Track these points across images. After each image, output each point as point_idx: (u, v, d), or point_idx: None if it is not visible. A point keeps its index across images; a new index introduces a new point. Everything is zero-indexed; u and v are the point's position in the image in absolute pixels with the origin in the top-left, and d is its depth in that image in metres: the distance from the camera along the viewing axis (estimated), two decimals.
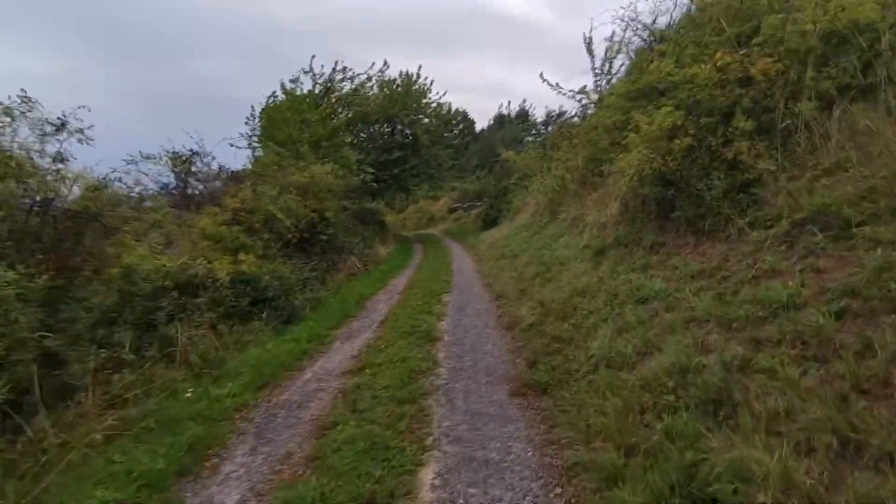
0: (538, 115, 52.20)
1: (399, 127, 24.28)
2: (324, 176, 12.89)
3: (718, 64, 4.98)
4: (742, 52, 4.96)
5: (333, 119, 16.70)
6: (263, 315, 7.46)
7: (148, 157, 7.86)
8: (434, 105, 24.93)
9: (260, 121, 21.42)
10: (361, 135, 24.98)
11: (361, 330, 7.56)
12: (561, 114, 41.16)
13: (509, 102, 66.02)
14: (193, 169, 9.96)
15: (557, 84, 16.81)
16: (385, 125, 24.83)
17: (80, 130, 5.18)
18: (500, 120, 59.66)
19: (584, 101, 16.93)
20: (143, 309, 5.71)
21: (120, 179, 6.85)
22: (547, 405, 4.07)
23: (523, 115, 57.35)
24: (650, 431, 2.87)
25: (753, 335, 3.09)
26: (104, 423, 3.97)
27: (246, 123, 21.19)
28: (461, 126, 54.26)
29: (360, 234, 16.58)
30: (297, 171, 13.00)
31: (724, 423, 2.64)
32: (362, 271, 13.55)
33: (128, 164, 6.89)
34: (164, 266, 6.10)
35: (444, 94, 24.92)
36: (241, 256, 7.14)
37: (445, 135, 29.29)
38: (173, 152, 9.84)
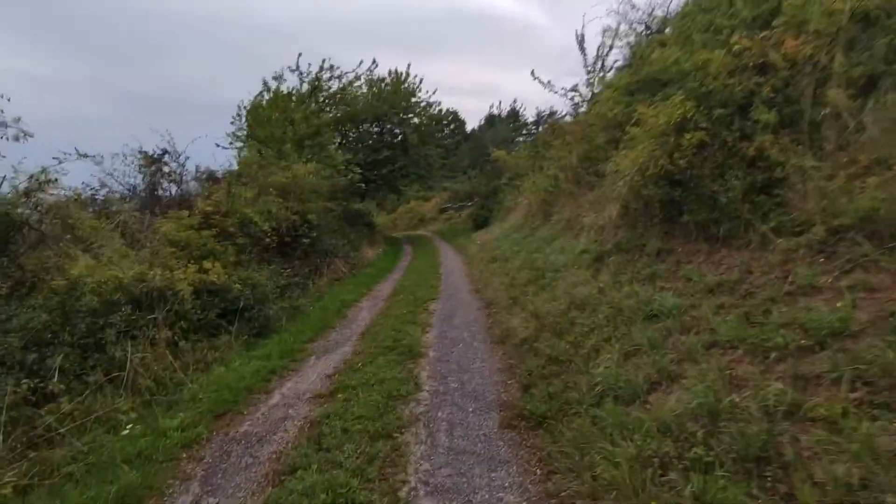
0: (529, 115, 51.80)
1: (388, 126, 23.65)
2: (306, 176, 12.24)
3: (735, 49, 4.43)
4: (761, 35, 4.41)
5: (319, 117, 15.94)
6: (233, 328, 6.83)
7: (86, 156, 7.12)
8: (423, 104, 24.33)
9: (245, 120, 20.76)
10: (350, 135, 24.34)
11: (340, 343, 6.94)
12: (552, 114, 40.81)
13: (500, 102, 65.43)
14: (165, 170, 9.27)
15: (549, 82, 16.35)
16: (373, 125, 24.19)
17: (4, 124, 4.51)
18: (491, 120, 59.26)
19: (575, 100, 16.51)
20: (89, 327, 5.06)
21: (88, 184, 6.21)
22: (544, 443, 3.47)
23: (514, 115, 56.98)
24: (676, 496, 2.29)
25: (798, 369, 2.53)
26: (16, 470, 3.32)
27: (232, 123, 20.51)
28: (452, 126, 53.75)
29: (347, 236, 15.93)
30: (279, 171, 12.35)
31: (774, 490, 2.06)
32: (348, 275, 12.93)
33: (60, 162, 6.17)
34: (117, 277, 5.45)
35: (434, 93, 24.31)
36: (207, 265, 6.48)
37: (436, 134, 28.75)
38: (142, 152, 9.15)
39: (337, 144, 24.36)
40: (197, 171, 10.82)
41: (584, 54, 15.83)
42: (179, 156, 9.36)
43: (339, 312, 8.87)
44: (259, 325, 7.37)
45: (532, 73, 15.32)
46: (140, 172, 8.67)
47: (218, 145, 19.41)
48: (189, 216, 7.80)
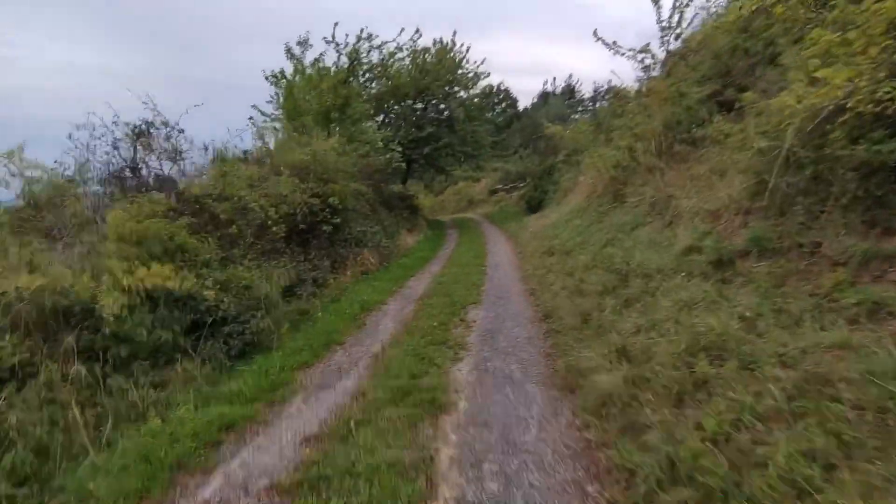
0: (585, 91, 48.47)
1: (432, 101, 21.52)
2: (328, 153, 10.44)
3: None
4: None
5: (348, 86, 14.09)
6: (202, 351, 5.13)
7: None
8: (471, 75, 21.98)
9: (281, 98, 19.32)
10: (392, 112, 22.48)
11: (343, 371, 5.09)
12: (610, 88, 37.35)
13: (554, 79, 61.84)
14: (153, 145, 7.69)
15: (615, 43, 13.71)
16: (417, 100, 22.12)
17: None
18: (545, 96, 56.12)
19: (646, 62, 13.83)
20: None
21: None
22: None
23: (569, 91, 53.56)
24: None
25: None
26: None
27: (268, 102, 19.09)
28: (503, 104, 51.05)
29: (381, 222, 14.14)
30: (296, 147, 10.64)
31: None
32: (378, 268, 11.13)
33: None
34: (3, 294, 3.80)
35: (483, 63, 21.86)
36: (156, 269, 4.75)
37: (485, 111, 26.41)
38: (127, 124, 7.58)
39: (377, 122, 22.67)
40: (206, 149, 9.17)
41: (659, 7, 13.13)
42: (171, 129, 7.72)
43: (354, 319, 7.05)
44: (244, 341, 5.65)
45: (595, 32, 12.66)
46: (115, 147, 7.10)
47: (255, 125, 18.02)
48: (165, 200, 6.14)
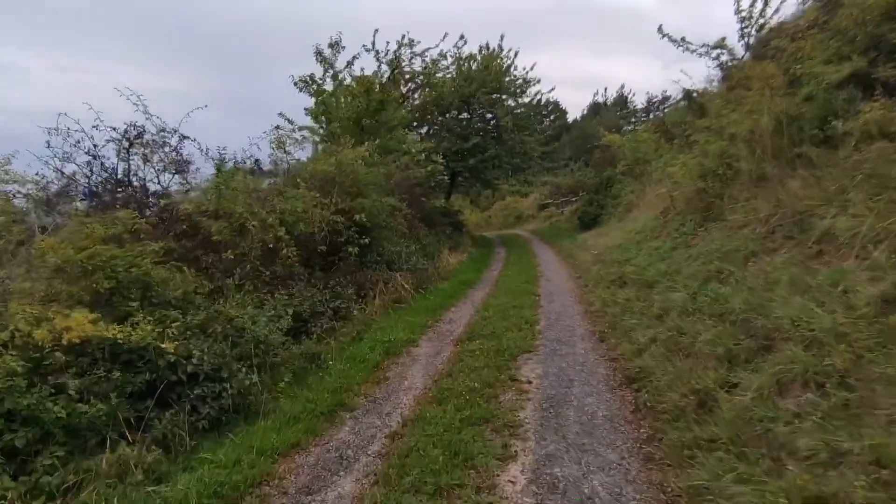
0: (639, 102, 46.25)
1: (478, 110, 20.05)
2: (355, 163, 9.08)
3: None
4: None
5: (384, 91, 12.81)
6: (156, 425, 3.73)
7: None
8: (519, 81, 20.40)
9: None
10: (436, 123, 21.18)
11: (341, 467, 3.55)
12: (665, 98, 34.80)
13: (605, 89, 59.62)
14: (146, 152, 6.54)
15: (683, 39, 11.81)
16: (462, 111, 20.68)
17: None
18: (596, 108, 54.03)
19: (722, 58, 11.87)
20: None
21: None
22: None
23: (622, 101, 51.21)
24: None
25: None
26: None
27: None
28: (552, 115, 49.15)
29: (420, 240, 12.69)
30: (322, 157, 9.39)
31: None
32: (413, 294, 9.61)
33: None
34: None
35: (532, 69, 20.31)
36: (77, 318, 3.37)
37: (534, 123, 24.73)
38: (119, 129, 6.47)
39: (420, 134, 21.45)
40: (217, 158, 7.99)
41: None
42: (168, 133, 6.56)
43: (374, 371, 5.54)
44: (220, 407, 4.22)
45: (660, 29, 10.89)
46: (94, 157, 5.97)
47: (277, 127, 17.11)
48: (133, 218, 4.86)
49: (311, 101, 13.55)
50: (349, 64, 13.41)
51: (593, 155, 22.73)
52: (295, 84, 13.12)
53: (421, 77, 19.52)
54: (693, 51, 11.97)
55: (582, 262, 11.61)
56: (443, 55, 19.73)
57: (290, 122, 13.23)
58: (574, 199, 27.70)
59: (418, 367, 5.64)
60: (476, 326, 7.13)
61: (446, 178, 18.59)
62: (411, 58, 19.17)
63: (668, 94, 30.80)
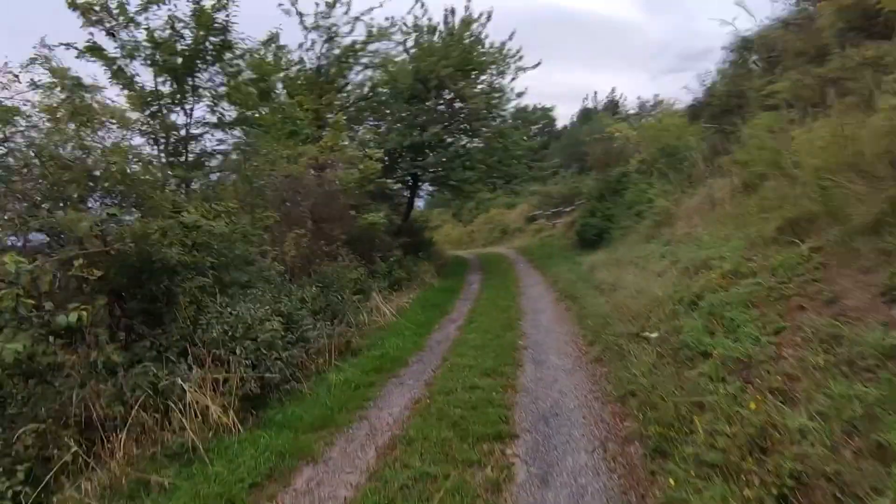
0: (630, 107, 42.55)
1: (438, 87, 14.97)
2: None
3: None
4: None
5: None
6: None
7: None
8: (493, 51, 15.48)
9: None
10: (387, 113, 16.16)
11: None
12: (658, 102, 30.69)
13: (595, 94, 56.03)
14: None
15: None
16: (420, 96, 15.62)
17: None
18: (586, 114, 50.71)
19: None
20: None
21: None
22: None
23: (613, 106, 47.71)
24: None
25: None
26: None
27: None
28: (541, 123, 45.00)
29: (323, 283, 7.68)
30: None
31: None
32: (232, 427, 4.53)
33: None
34: None
35: (512, 38, 15.45)
36: None
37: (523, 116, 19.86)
38: None
39: (370, 127, 16.50)
40: None
41: None
42: None
43: None
44: None
45: None
46: None
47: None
48: None
49: None
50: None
51: (591, 151, 17.90)
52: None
53: (361, 51, 14.59)
54: None
55: (593, 311, 6.64)
56: (393, 24, 14.87)
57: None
58: (568, 209, 22.90)
59: None
60: None
61: (398, 184, 13.50)
62: (349, 27, 14.33)
63: (660, 97, 26.51)
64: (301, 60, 14.60)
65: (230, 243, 5.73)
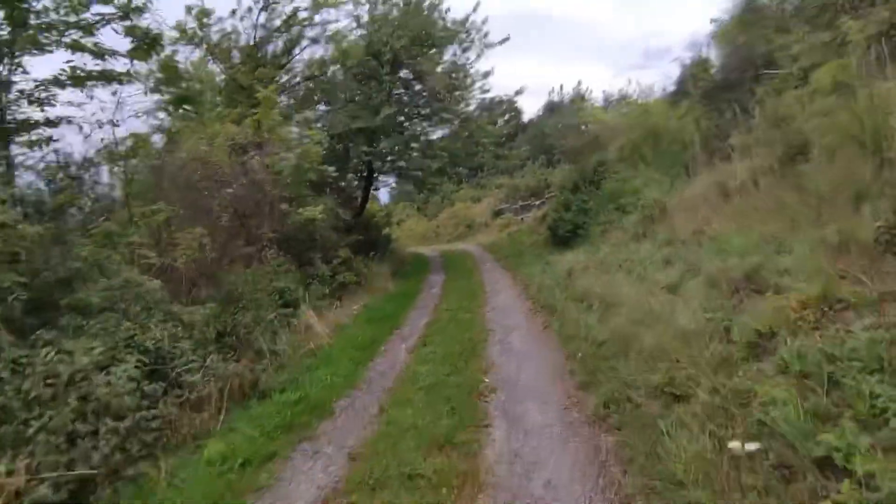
0: (597, 99, 41.80)
1: (393, 63, 13.10)
2: None
3: None
4: None
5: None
6: None
7: None
8: (455, 28, 13.76)
9: None
10: (340, 96, 14.20)
11: None
12: (623, 97, 29.99)
13: (561, 87, 55.31)
14: None
15: None
16: (374, 76, 13.73)
17: None
18: (552, 107, 49.99)
19: None
20: None
21: None
22: None
23: (579, 99, 46.99)
24: None
25: None
26: None
27: None
28: (507, 116, 43.87)
29: (231, 292, 5.88)
30: None
31: None
32: None
33: None
34: None
35: (476, 10, 13.76)
36: None
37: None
38: None
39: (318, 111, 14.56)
40: None
41: None
42: None
43: None
44: None
45: None
46: None
47: None
48: None
49: None
50: None
51: (564, 139, 16.45)
52: None
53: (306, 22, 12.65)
54: None
55: (581, 334, 5.06)
56: None
57: None
58: (537, 202, 21.51)
59: None
60: None
61: (329, 170, 11.43)
62: None
63: (625, 92, 25.49)
64: (235, 31, 12.60)
65: (66, 250, 3.89)
